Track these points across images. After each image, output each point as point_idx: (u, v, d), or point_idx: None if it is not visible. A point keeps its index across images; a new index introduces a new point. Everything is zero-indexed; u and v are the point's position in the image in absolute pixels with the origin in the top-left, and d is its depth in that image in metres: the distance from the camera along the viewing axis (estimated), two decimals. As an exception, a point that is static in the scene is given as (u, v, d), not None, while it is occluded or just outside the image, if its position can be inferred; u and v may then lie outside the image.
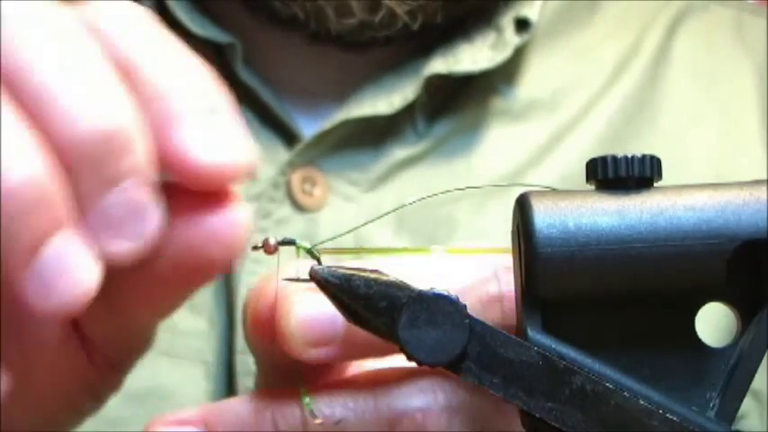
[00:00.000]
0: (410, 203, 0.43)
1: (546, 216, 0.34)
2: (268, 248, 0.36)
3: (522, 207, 0.34)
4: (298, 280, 0.36)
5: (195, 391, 0.62)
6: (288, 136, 0.67)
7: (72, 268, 0.31)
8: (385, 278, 0.34)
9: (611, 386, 0.33)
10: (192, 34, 0.65)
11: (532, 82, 0.70)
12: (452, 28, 0.67)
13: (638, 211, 0.34)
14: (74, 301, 0.31)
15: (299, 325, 0.38)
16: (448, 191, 0.45)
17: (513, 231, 0.36)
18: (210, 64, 0.66)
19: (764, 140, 0.70)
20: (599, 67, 0.72)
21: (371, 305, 0.34)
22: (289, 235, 0.62)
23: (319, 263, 0.36)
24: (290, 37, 0.68)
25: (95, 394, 0.41)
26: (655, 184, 0.35)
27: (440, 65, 0.66)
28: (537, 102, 0.70)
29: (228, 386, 0.62)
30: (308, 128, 0.67)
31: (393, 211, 0.43)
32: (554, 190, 0.35)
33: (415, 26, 0.65)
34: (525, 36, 0.67)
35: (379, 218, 0.43)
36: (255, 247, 0.36)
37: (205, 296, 0.63)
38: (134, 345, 0.40)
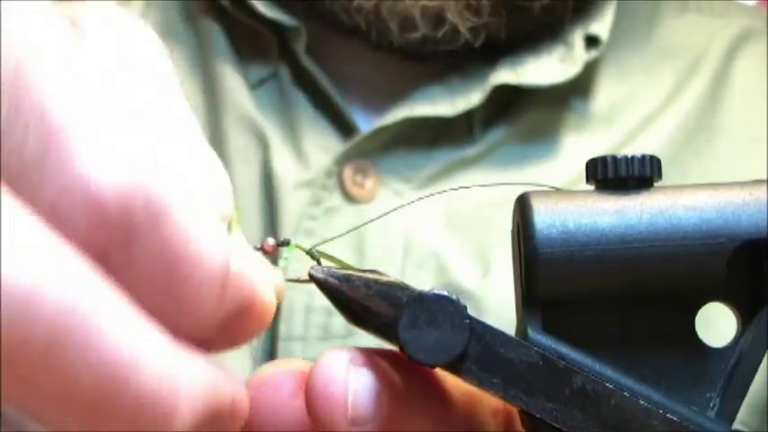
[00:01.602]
0: (406, 204, 0.43)
1: (546, 216, 0.34)
2: (267, 249, 0.35)
3: (522, 207, 0.34)
4: (298, 281, 0.36)
5: (240, 372, 0.62)
6: (342, 126, 0.67)
7: None
8: (385, 278, 0.34)
9: (611, 386, 0.33)
10: (255, 15, 0.66)
11: (593, 96, 0.70)
12: (517, 40, 0.68)
13: (638, 211, 0.34)
14: None
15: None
16: (444, 191, 0.45)
17: (512, 231, 0.36)
18: (270, 48, 0.68)
19: None
20: (657, 85, 0.72)
21: (371, 306, 0.34)
22: (338, 226, 0.62)
23: (319, 263, 0.36)
24: (352, 43, 0.68)
25: None
26: (655, 185, 0.35)
27: (508, 75, 0.66)
28: (595, 116, 0.70)
29: None
30: (362, 121, 0.68)
31: (391, 211, 0.43)
32: (555, 190, 0.35)
33: (477, 43, 0.66)
34: (594, 53, 0.68)
35: (376, 219, 0.43)
36: (254, 248, 0.35)
37: None
38: None
